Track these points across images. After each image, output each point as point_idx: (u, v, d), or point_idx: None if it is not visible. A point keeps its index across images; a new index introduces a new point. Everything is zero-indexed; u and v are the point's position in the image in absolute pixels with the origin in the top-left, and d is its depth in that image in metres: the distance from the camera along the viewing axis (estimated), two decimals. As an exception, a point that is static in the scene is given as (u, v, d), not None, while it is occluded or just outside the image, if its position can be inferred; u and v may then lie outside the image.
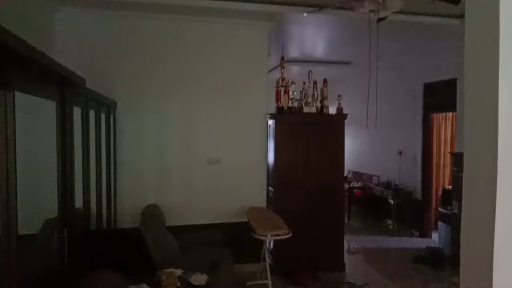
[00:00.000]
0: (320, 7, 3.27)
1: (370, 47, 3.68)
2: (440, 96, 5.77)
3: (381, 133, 6.82)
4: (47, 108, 2.16)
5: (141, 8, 4.10)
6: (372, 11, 3.34)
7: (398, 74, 6.69)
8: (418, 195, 6.20)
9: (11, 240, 1.67)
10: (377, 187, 6.85)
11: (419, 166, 6.19)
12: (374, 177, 7.17)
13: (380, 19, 3.62)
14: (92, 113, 2.99)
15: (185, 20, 4.37)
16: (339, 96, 4.82)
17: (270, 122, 4.75)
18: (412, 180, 6.32)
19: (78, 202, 2.75)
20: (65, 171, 2.28)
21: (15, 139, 1.67)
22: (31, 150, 2.05)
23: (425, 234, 6.09)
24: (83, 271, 2.34)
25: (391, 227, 6.47)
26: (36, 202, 2.33)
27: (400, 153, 6.59)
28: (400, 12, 3.45)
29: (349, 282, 4.30)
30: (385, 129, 6.80)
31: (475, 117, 1.39)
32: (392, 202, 6.30)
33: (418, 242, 5.84)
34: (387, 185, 6.59)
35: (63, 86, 2.20)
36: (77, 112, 2.63)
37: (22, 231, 1.77)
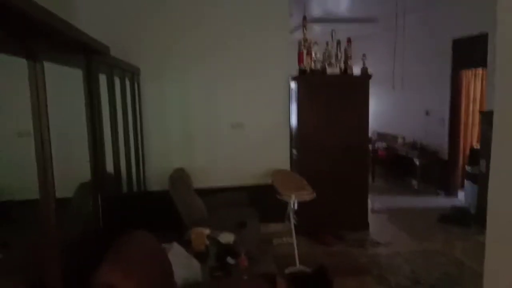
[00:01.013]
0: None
1: (396, 5, 3.51)
2: (470, 52, 5.51)
3: (407, 92, 6.65)
4: (74, 76, 2.22)
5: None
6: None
7: (425, 30, 6.40)
8: (445, 155, 6.09)
9: (50, 203, 1.78)
10: (402, 147, 6.76)
11: (447, 126, 6.05)
12: (399, 138, 7.07)
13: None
14: (117, 80, 3.04)
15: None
16: (363, 55, 4.67)
17: (293, 84, 4.69)
18: (439, 140, 6.19)
19: (109, 167, 2.87)
20: (95, 136, 2.37)
21: (46, 106, 1.74)
22: (62, 117, 2.13)
23: (450, 193, 6.04)
24: (117, 232, 2.48)
25: (415, 187, 6.45)
26: (70, 167, 2.45)
27: (427, 113, 6.43)
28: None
29: (373, 240, 4.38)
30: (412, 88, 6.62)
31: (507, 73, 1.34)
32: (417, 162, 6.24)
33: (444, 202, 5.81)
34: (413, 145, 6.51)
35: (88, 55, 2.24)
36: (102, 79, 2.69)
37: (58, 194, 1.87)
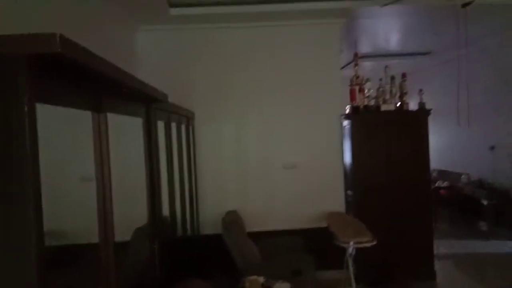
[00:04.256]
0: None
1: (458, 33, 3.36)
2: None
3: (466, 127, 6.24)
4: (132, 123, 2.27)
5: (214, 20, 4.20)
6: (458, -4, 3.07)
7: (487, 61, 6.06)
8: (517, 195, 5.55)
9: (109, 247, 1.77)
10: (467, 186, 6.27)
11: (517, 162, 5.55)
12: (462, 176, 6.57)
13: (465, 4, 3.32)
14: (173, 125, 3.11)
15: (256, 26, 4.39)
16: (420, 90, 4.48)
17: (345, 122, 4.56)
18: (509, 177, 5.67)
19: (165, 211, 2.87)
20: (153, 182, 2.39)
21: (109, 156, 1.78)
22: (119, 163, 2.16)
23: (527, 237, 5.44)
24: (174, 279, 2.42)
25: (484, 229, 5.88)
26: (126, 211, 2.47)
27: (492, 148, 5.96)
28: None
29: (442, 292, 3.97)
30: (474, 122, 6.21)
31: None
32: (485, 202, 5.72)
33: (520, 247, 5.24)
34: (479, 184, 6.01)
35: (148, 103, 2.30)
36: (160, 125, 2.75)
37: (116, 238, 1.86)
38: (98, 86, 1.63)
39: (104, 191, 1.77)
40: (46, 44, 1.02)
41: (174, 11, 3.91)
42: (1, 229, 1.06)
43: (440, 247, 5.35)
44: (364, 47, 6.24)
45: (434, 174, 7.36)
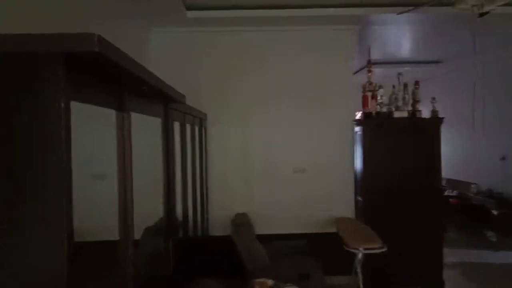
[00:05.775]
0: (415, 6, 3.07)
1: (474, 43, 3.36)
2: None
3: (480, 136, 6.22)
4: (153, 125, 2.30)
5: (227, 23, 4.24)
6: (475, 5, 3.07)
7: (498, 70, 6.04)
8: (528, 205, 5.51)
9: (128, 246, 1.79)
10: (476, 196, 6.24)
11: (528, 173, 5.52)
12: (472, 185, 6.54)
13: (482, 14, 3.31)
14: (188, 127, 3.14)
15: (269, 30, 4.42)
16: (433, 98, 4.48)
17: (357, 128, 4.57)
18: (520, 188, 5.64)
19: (177, 210, 2.89)
20: (169, 182, 2.42)
21: (131, 155, 1.80)
22: (143, 163, 2.19)
23: (537, 249, 5.39)
24: (186, 278, 2.44)
25: (493, 239, 5.84)
26: (139, 210, 2.50)
27: (503, 158, 5.92)
28: (507, 4, 3.11)
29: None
30: (485, 131, 6.19)
31: None
32: (495, 212, 5.69)
33: (530, 258, 5.19)
34: (489, 193, 5.98)
35: (166, 104, 2.33)
36: (176, 126, 2.78)
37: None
38: (122, 85, 1.66)
39: (126, 190, 1.78)
40: (84, 43, 1.05)
41: (191, 14, 3.95)
42: (35, 224, 1.08)
43: (449, 256, 5.32)
44: (376, 54, 6.25)
45: (444, 183, 7.33)
